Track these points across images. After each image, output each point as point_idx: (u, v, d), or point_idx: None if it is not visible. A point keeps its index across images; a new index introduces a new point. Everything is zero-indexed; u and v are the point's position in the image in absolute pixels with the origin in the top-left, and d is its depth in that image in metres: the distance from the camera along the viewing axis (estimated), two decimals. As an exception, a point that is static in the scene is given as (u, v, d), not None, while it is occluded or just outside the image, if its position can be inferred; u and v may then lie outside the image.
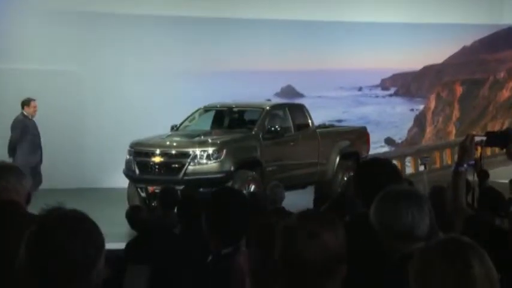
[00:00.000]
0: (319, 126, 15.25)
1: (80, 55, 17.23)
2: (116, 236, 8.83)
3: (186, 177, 12.36)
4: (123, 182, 13.17)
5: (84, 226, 2.07)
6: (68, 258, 1.99)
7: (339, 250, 2.22)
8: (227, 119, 14.20)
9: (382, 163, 3.91)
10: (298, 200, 12.05)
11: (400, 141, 20.94)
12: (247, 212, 3.60)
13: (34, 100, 12.76)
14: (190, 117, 14.33)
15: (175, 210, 6.84)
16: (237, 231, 3.52)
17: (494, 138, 3.96)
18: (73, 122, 16.83)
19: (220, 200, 3.58)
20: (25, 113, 12.64)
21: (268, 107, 13.91)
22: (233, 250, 3.50)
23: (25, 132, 12.44)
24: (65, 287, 1.99)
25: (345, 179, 14.35)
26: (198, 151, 12.53)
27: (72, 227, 2.05)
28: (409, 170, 18.68)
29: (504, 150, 3.93)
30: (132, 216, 7.51)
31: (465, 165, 3.86)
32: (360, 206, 3.76)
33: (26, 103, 12.68)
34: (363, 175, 3.82)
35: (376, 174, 3.71)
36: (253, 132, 13.28)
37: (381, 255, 2.99)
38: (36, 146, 12.47)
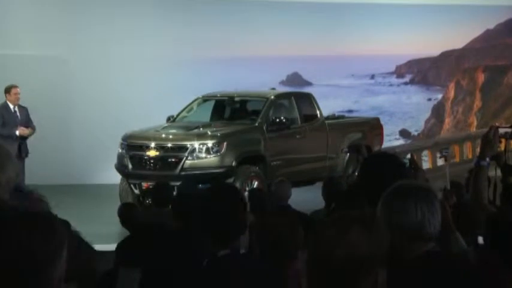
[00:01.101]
0: (328, 118, 15.23)
1: (66, 40, 17.25)
2: (107, 237, 8.86)
3: (183, 173, 12.39)
4: (115, 178, 13.19)
5: (44, 221, 2.15)
6: (27, 254, 2.07)
7: (371, 250, 2.24)
8: (228, 110, 14.20)
9: (388, 157, 3.92)
10: (305, 197, 12.07)
11: (416, 133, 20.92)
12: (242, 210, 3.58)
13: (16, 87, 12.83)
14: (187, 108, 14.34)
15: (170, 208, 6.85)
16: (230, 232, 3.49)
17: None
18: (60, 111, 16.84)
19: (213, 197, 3.57)
20: (7, 101, 12.78)
21: (272, 97, 13.91)
22: (232, 252, 3.48)
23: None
24: (25, 283, 2.07)
25: (356, 174, 14.36)
26: (196, 144, 12.54)
27: (32, 222, 2.13)
28: (426, 164, 18.68)
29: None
30: (124, 214, 7.53)
31: (487, 160, 3.86)
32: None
33: (6, 90, 12.80)
34: (368, 170, 3.83)
35: (381, 169, 3.72)
36: (257, 124, 13.29)
37: (391, 257, 3.00)
38: (12, 137, 12.47)
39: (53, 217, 2.24)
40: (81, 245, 2.86)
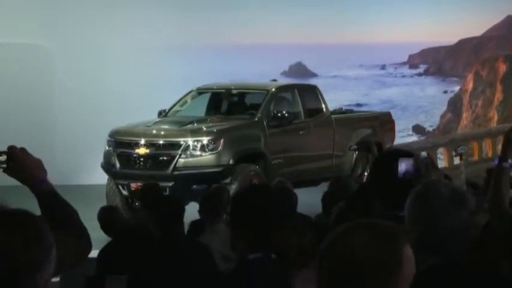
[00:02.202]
0: (335, 112, 15.24)
1: (47, 26, 17.20)
2: (94, 243, 8.83)
3: (176, 172, 12.40)
4: (101, 178, 13.16)
5: (27, 224, 2.14)
6: (7, 257, 2.06)
7: (384, 259, 2.24)
8: (225, 103, 14.19)
9: (403, 154, 3.89)
10: (309, 199, 12.05)
11: (431, 129, 20.94)
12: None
13: None
14: (181, 101, 14.32)
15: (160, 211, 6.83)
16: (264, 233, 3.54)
17: None
18: (41, 104, 16.82)
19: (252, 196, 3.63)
20: None
21: (273, 89, 13.90)
22: (263, 256, 3.51)
23: None
24: None
25: (366, 174, 14.35)
26: (190, 141, 12.54)
27: (13, 224, 2.12)
28: (442, 163, 18.68)
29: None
30: (104, 218, 7.50)
31: (510, 160, 3.83)
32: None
33: None
34: (380, 169, 3.81)
35: (395, 168, 3.71)
36: (256, 119, 13.28)
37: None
38: None
39: (39, 219, 2.22)
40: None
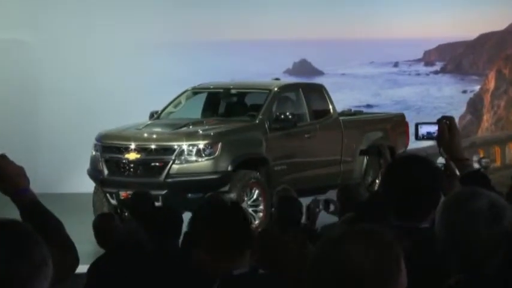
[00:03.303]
0: (343, 113, 15.28)
1: (30, 20, 17.22)
2: (81, 257, 8.83)
3: (169, 180, 12.42)
4: (88, 186, 13.17)
5: (13, 236, 2.10)
6: None
7: (363, 269, 2.29)
8: (223, 104, 14.23)
9: (418, 160, 3.88)
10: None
11: (448, 132, 20.90)
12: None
13: None
14: (174, 102, 14.35)
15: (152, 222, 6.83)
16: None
17: None
18: (23, 105, 16.83)
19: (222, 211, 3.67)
20: None
21: (276, 88, 13.92)
22: (251, 271, 3.54)
23: None
24: None
25: (377, 181, 14.36)
26: (185, 145, 12.56)
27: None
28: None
29: None
30: (101, 227, 7.49)
31: None
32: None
33: None
34: (394, 176, 3.80)
35: (410, 175, 3.70)
36: (257, 121, 13.31)
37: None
38: None
39: (29, 231, 2.18)
40: None
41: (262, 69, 18.22)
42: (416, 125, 4.12)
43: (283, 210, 8.00)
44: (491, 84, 21.78)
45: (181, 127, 13.16)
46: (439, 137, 4.02)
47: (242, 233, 3.59)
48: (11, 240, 2.10)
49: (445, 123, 4.04)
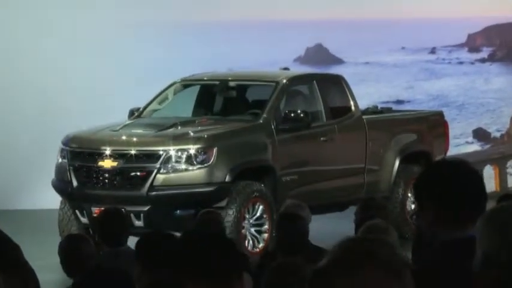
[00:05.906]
0: (367, 111, 15.33)
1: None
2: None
3: (153, 193, 12.46)
4: (53, 201, 13.16)
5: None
6: None
7: None
8: (219, 100, 14.27)
9: (460, 166, 3.93)
10: (333, 228, 12.03)
11: (498, 134, 20.93)
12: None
13: None
14: (160, 97, 14.38)
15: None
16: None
17: None
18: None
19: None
20: None
21: (285, 80, 13.95)
22: None
23: None
24: None
25: (409, 195, 14.35)
26: (172, 150, 12.60)
27: None
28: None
29: None
30: (68, 251, 7.46)
31: None
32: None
33: None
34: (430, 183, 3.84)
35: (450, 184, 3.76)
36: (261, 121, 13.36)
37: None
38: None
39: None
40: None
41: (267, 57, 18.25)
42: None
43: (283, 232, 7.99)
44: (551, 76, 21.79)
45: (167, 128, 13.21)
46: None
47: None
48: None
49: None
